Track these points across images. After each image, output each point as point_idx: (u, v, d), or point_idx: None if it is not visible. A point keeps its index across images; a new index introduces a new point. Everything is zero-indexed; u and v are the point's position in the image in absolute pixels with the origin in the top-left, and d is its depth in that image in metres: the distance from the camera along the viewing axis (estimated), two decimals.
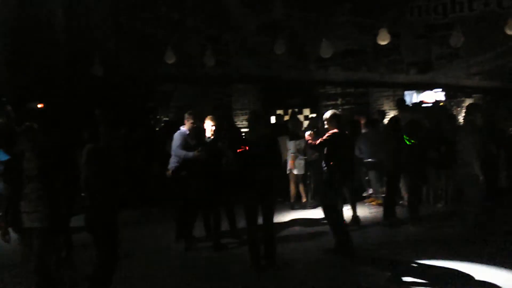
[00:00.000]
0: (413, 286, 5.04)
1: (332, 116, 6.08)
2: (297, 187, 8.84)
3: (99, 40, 10.40)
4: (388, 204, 7.43)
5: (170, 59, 10.23)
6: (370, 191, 9.19)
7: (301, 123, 10.93)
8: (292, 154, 8.62)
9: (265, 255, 5.59)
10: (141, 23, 10.06)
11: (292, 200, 8.85)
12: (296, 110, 12.31)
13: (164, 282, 5.45)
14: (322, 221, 7.11)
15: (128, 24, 10.35)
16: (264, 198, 5.49)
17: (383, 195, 7.86)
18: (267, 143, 5.58)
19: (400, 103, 10.49)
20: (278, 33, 10.31)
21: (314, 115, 11.87)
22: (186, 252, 6.37)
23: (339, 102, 12.49)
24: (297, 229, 7.48)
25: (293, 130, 8.99)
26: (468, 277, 5.08)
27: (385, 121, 9.80)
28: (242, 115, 13.10)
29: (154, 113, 13.09)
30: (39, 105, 10.91)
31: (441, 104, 11.69)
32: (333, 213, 6.05)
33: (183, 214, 6.60)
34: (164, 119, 13.09)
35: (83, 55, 10.29)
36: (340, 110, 12.08)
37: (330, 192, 6.10)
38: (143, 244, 6.92)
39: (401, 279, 5.16)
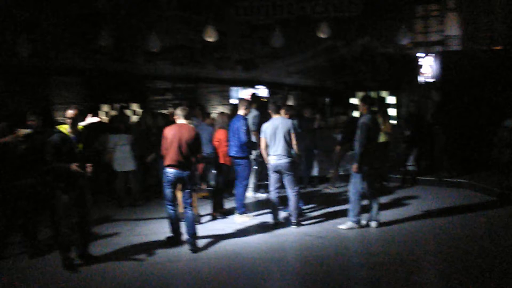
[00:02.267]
0: None
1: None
2: (124, 183, 8.51)
3: None
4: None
5: None
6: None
7: (128, 117, 10.61)
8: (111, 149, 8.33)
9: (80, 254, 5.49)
10: None
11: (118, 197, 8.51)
12: (125, 104, 11.86)
13: None
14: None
15: None
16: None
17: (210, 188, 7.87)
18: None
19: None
20: (103, 23, 9.82)
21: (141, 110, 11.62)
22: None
23: (168, 97, 12.40)
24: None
25: (116, 125, 8.74)
26: None
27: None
28: (64, 110, 12.13)
29: None
30: None
31: (262, 99, 12.43)
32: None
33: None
34: None
35: None
36: (169, 105, 12.08)
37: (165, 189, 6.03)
38: None
39: None
